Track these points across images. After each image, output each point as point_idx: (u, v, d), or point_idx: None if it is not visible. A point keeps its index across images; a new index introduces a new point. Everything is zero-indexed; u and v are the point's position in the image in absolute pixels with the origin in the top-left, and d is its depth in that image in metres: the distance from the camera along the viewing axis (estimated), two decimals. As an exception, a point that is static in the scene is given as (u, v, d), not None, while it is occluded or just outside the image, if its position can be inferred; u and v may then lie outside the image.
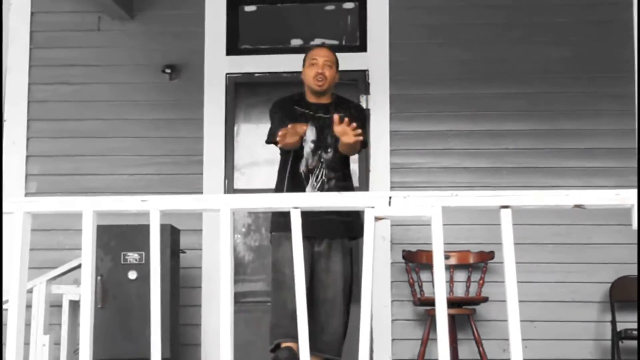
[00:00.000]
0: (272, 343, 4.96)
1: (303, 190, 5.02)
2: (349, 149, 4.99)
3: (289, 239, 4.76)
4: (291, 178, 5.10)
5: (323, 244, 5.07)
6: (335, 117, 4.85)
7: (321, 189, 5.03)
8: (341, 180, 5.11)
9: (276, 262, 5.08)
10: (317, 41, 7.19)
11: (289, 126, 4.89)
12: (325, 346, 4.99)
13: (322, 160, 5.08)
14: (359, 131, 4.84)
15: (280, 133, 4.88)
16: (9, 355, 2.65)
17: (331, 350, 5.02)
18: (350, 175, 5.26)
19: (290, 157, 5.12)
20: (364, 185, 6.89)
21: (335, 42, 7.20)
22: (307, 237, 4.79)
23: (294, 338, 4.62)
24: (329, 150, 5.08)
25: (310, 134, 5.08)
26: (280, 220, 5.01)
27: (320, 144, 5.09)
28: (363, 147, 5.17)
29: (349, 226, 5.08)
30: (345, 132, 4.82)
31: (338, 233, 5.07)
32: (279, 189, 5.14)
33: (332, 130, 4.94)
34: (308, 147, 5.09)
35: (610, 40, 6.94)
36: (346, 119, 4.84)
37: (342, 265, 5.07)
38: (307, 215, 4.78)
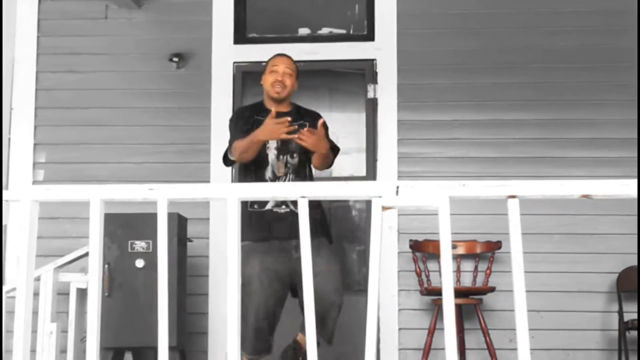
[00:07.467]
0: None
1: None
2: (322, 160, 4.99)
3: (256, 250, 4.87)
4: None
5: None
6: (320, 122, 4.88)
7: None
8: None
9: (244, 276, 4.71)
10: (325, 30, 7.18)
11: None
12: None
13: (288, 165, 5.05)
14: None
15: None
16: (17, 343, 2.66)
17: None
18: (313, 179, 5.20)
19: (252, 164, 5.04)
20: (371, 175, 6.89)
21: (342, 31, 7.19)
22: (279, 239, 4.87)
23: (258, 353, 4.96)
24: (295, 155, 5.04)
25: (272, 140, 5.00)
26: (244, 228, 4.78)
27: (283, 149, 5.04)
28: (335, 154, 5.14)
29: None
30: (317, 143, 4.82)
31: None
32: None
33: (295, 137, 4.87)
34: (272, 153, 5.04)
35: (615, 29, 6.93)
36: (321, 121, 4.87)
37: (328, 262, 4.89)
38: (263, 217, 4.88)
